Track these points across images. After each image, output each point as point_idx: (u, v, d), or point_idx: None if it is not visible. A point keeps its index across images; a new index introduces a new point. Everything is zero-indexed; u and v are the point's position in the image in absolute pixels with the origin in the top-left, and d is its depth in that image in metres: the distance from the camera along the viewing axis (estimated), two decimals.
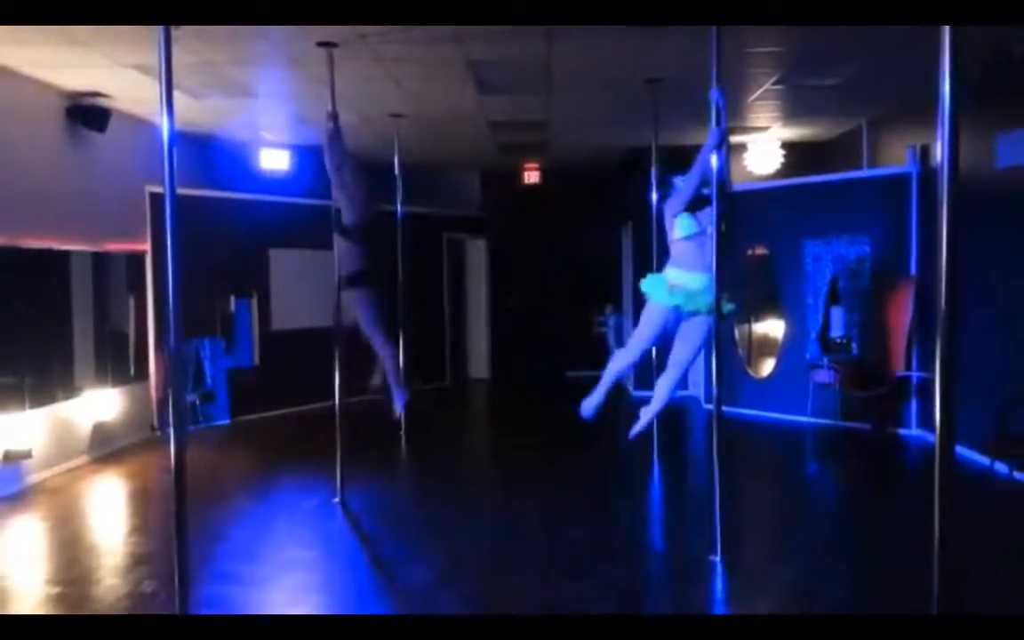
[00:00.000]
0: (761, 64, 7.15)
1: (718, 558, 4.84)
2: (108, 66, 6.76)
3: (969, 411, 6.52)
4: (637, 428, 5.39)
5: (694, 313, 4.95)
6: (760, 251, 9.79)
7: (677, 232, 4.98)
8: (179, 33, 4.48)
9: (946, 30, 2.46)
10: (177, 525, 3.31)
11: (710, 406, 5.54)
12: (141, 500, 6.73)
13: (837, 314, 9.01)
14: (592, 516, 5.91)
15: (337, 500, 6.28)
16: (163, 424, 8.66)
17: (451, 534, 5.59)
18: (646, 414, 5.35)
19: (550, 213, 13.48)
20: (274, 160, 10.71)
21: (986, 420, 6.68)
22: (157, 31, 3.25)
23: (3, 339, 6.62)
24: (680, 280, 4.95)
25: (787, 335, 9.44)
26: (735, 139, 10.48)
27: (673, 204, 5.00)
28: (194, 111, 8.37)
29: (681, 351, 5.12)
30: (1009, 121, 6.68)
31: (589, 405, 5.32)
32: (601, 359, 13.12)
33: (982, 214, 6.61)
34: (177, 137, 3.38)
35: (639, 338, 5.16)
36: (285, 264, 10.17)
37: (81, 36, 5.96)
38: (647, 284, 5.13)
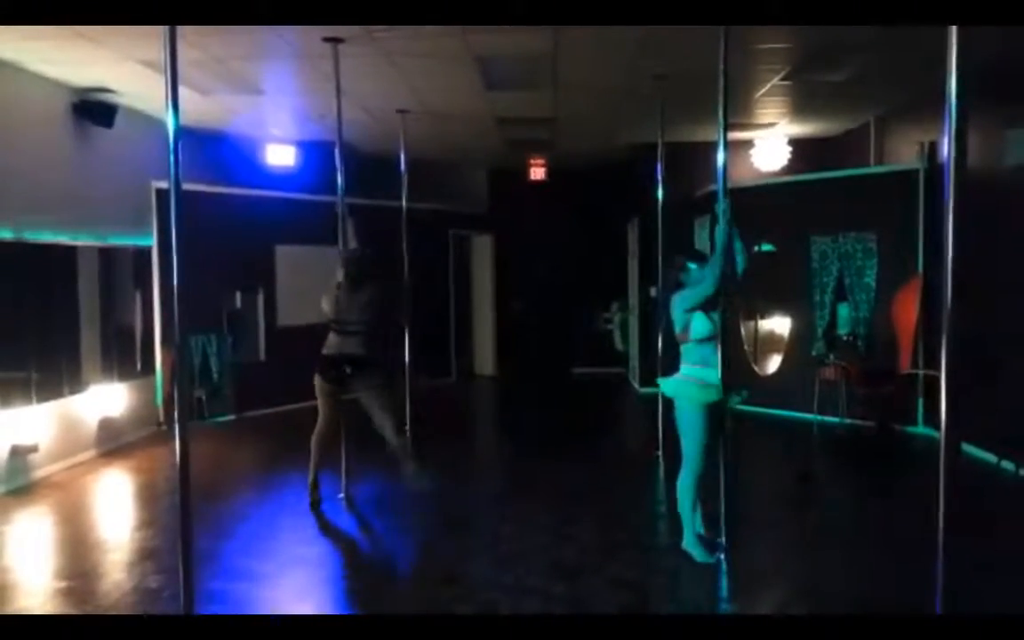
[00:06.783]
0: (769, 60, 7.12)
1: (723, 556, 4.84)
2: (115, 62, 6.78)
3: (976, 408, 6.51)
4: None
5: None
6: (766, 248, 9.76)
7: (694, 333, 4.72)
8: (185, 30, 4.48)
9: (953, 29, 2.44)
10: (182, 520, 3.33)
11: None
12: (147, 495, 6.75)
13: (844, 311, 8.99)
14: (598, 513, 5.90)
15: (342, 496, 6.30)
16: (169, 419, 8.69)
17: (456, 531, 5.60)
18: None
19: (556, 209, 13.49)
20: (280, 156, 10.74)
21: (993, 418, 6.66)
22: (163, 27, 3.26)
23: (10, 334, 6.66)
24: (708, 378, 4.71)
25: (793, 332, 9.42)
26: (742, 135, 10.46)
27: (688, 299, 4.72)
28: (201, 107, 8.39)
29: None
30: (1018, 118, 6.64)
31: (689, 543, 4.87)
32: (607, 356, 13.30)
33: (991, 211, 6.58)
34: (183, 133, 3.39)
35: (692, 451, 4.78)
36: (291, 260, 10.18)
37: (88, 32, 5.97)
38: (672, 388, 4.85)
